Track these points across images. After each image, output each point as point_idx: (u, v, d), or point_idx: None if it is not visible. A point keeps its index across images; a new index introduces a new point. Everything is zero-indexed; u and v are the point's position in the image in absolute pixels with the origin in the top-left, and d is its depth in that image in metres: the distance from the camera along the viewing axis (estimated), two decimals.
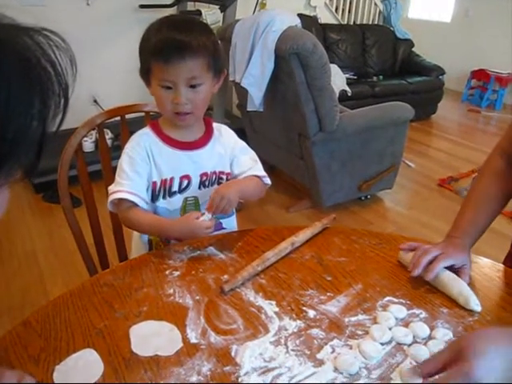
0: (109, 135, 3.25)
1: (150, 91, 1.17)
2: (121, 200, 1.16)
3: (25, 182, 3.37)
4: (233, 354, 0.80)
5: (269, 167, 3.64)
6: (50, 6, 3.64)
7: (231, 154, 1.29)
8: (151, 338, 0.83)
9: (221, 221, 1.29)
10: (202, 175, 1.24)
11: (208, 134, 1.27)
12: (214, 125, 1.30)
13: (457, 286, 0.95)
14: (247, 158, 1.31)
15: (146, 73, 1.14)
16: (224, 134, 1.30)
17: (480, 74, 6.16)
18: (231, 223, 1.33)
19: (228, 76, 3.03)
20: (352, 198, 3.26)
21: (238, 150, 1.31)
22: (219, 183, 1.27)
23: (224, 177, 1.28)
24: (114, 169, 1.25)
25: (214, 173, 1.26)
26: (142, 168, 1.19)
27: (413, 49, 5.70)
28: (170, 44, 1.06)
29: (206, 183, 1.25)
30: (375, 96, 4.78)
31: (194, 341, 0.82)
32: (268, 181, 1.31)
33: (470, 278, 1.00)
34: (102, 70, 4.13)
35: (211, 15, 3.71)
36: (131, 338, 0.82)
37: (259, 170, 1.30)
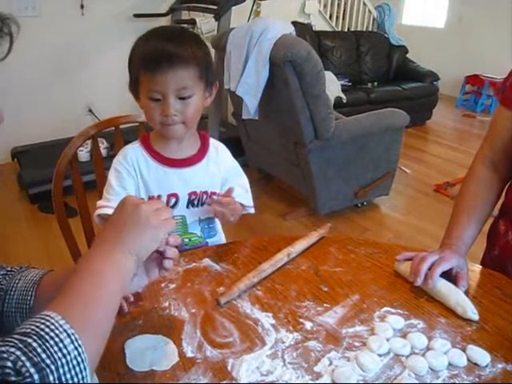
0: (104, 144, 3.25)
1: (139, 105, 1.14)
2: (108, 215, 1.12)
3: (21, 193, 3.36)
4: (229, 367, 0.79)
5: (265, 175, 3.65)
6: (45, 17, 3.65)
7: (224, 176, 1.26)
8: (147, 352, 0.82)
9: (207, 241, 1.27)
10: (190, 194, 1.20)
11: (203, 151, 1.22)
12: (211, 141, 1.26)
13: (454, 295, 0.95)
14: (240, 186, 1.26)
15: (134, 85, 1.11)
16: (220, 153, 1.26)
17: (474, 80, 6.19)
18: (217, 242, 1.30)
19: (223, 84, 3.03)
20: (348, 204, 3.26)
21: (233, 173, 1.28)
22: (209, 204, 1.22)
23: (214, 197, 1.23)
24: None
25: (205, 192, 1.22)
26: (128, 183, 1.16)
27: (407, 55, 5.73)
28: (158, 54, 1.03)
29: (195, 202, 1.21)
30: (370, 102, 4.80)
31: (190, 355, 0.81)
32: (252, 210, 1.27)
33: (468, 284, 1.00)
34: (97, 80, 4.14)
35: (206, 24, 3.72)
36: (126, 352, 0.81)
37: (247, 199, 1.26)
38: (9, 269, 0.89)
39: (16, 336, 0.53)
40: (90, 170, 1.69)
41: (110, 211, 1.10)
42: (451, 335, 0.88)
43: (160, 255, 0.79)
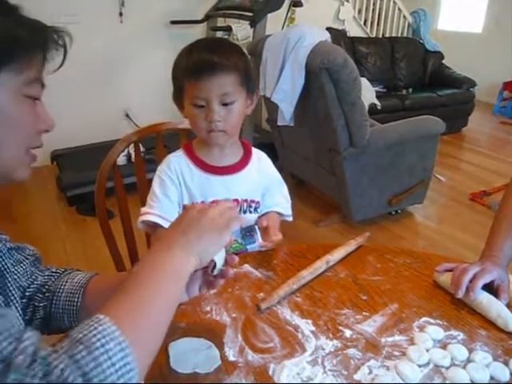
0: (141, 149, 3.31)
1: (183, 114, 1.18)
2: (150, 222, 1.17)
3: (59, 194, 3.46)
4: (270, 372, 0.80)
5: (298, 181, 3.65)
6: (84, 23, 3.74)
7: (266, 185, 1.29)
8: (190, 354, 0.84)
9: (247, 247, 1.29)
10: (232, 201, 1.22)
11: (246, 159, 1.25)
12: (254, 150, 1.29)
13: (495, 307, 0.94)
14: (281, 195, 1.31)
15: (178, 94, 1.16)
16: (263, 163, 1.29)
17: None
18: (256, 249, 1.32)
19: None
20: (382, 212, 3.23)
21: (274, 183, 1.31)
22: (250, 212, 1.26)
23: (253, 205, 1.26)
24: (149, 182, 1.28)
25: (246, 200, 1.24)
26: (171, 191, 1.20)
27: (443, 61, 5.65)
28: (201, 63, 1.08)
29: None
30: (405, 109, 4.75)
31: (231, 359, 0.83)
32: (290, 219, 1.32)
33: (509, 297, 0.99)
34: (134, 85, 4.23)
35: (241, 31, 3.76)
36: (170, 354, 0.84)
37: (287, 208, 1.30)
38: (54, 270, 0.92)
39: (67, 342, 0.54)
40: (127, 174, 1.74)
41: (153, 218, 1.16)
42: (492, 348, 0.87)
43: (205, 274, 0.79)
